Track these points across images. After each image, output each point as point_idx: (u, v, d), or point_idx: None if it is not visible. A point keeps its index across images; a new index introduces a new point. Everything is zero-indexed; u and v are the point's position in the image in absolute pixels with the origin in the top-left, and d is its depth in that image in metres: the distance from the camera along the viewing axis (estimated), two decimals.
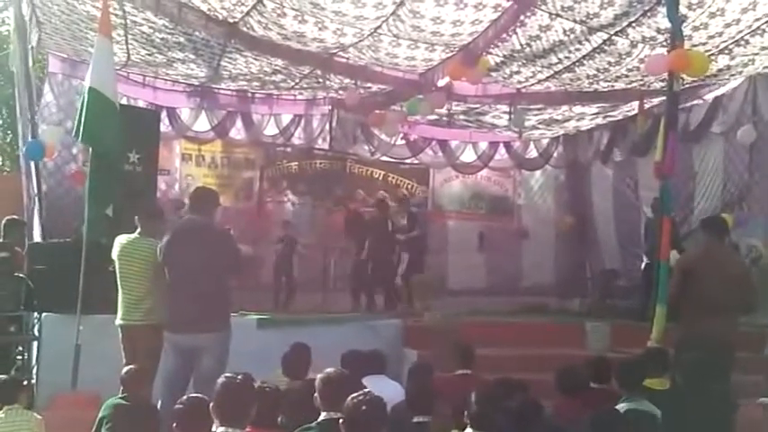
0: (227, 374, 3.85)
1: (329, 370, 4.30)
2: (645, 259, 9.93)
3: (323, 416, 4.02)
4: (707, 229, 6.56)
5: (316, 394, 4.13)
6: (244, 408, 3.70)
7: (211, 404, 3.69)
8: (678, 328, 6.29)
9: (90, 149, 6.84)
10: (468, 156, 13.57)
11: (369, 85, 10.21)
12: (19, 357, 7.60)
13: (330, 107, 11.91)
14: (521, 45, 8.32)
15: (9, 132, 18.58)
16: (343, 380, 4.13)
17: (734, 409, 4.74)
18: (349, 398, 3.67)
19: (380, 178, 13.12)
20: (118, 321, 6.25)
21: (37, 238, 8.92)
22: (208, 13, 7.91)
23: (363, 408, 3.59)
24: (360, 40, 8.47)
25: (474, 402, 4.30)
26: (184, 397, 4.01)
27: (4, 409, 5.12)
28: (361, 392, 3.72)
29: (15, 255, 7.70)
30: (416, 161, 13.32)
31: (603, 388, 5.44)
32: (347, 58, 9.18)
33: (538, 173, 13.98)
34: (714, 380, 5.43)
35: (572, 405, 5.16)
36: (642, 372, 5.20)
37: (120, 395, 5.26)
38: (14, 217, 8.89)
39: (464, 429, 4.32)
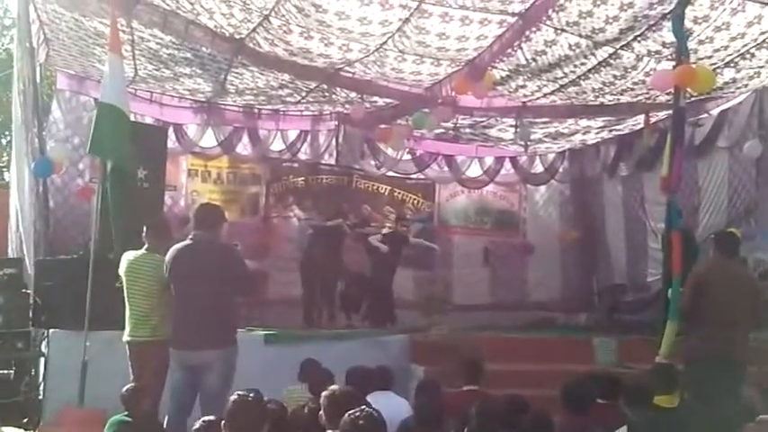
0: (240, 392, 3.83)
1: (334, 387, 4.27)
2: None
3: None
4: (718, 245, 6.54)
5: (321, 412, 4.11)
6: (255, 427, 3.69)
7: (222, 422, 3.68)
8: (688, 343, 6.25)
9: (108, 165, 6.87)
10: (474, 171, 13.56)
11: (375, 99, 10.23)
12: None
13: (336, 122, 11.96)
14: (526, 60, 8.32)
15: None
16: (349, 398, 4.09)
17: (743, 425, 4.71)
18: (346, 414, 3.63)
19: (386, 193, 13.09)
20: (125, 338, 6.25)
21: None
22: (214, 29, 7.95)
23: (360, 423, 3.56)
24: (365, 56, 8.49)
25: (474, 417, 4.26)
26: (201, 420, 3.98)
27: None
28: (358, 409, 3.68)
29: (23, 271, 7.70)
30: (422, 176, 13.29)
31: (610, 404, 5.40)
32: (353, 73, 9.20)
33: (543, 188, 13.94)
34: (724, 396, 5.40)
35: (578, 422, 5.12)
36: (650, 390, 5.13)
37: (124, 413, 5.26)
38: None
39: None
